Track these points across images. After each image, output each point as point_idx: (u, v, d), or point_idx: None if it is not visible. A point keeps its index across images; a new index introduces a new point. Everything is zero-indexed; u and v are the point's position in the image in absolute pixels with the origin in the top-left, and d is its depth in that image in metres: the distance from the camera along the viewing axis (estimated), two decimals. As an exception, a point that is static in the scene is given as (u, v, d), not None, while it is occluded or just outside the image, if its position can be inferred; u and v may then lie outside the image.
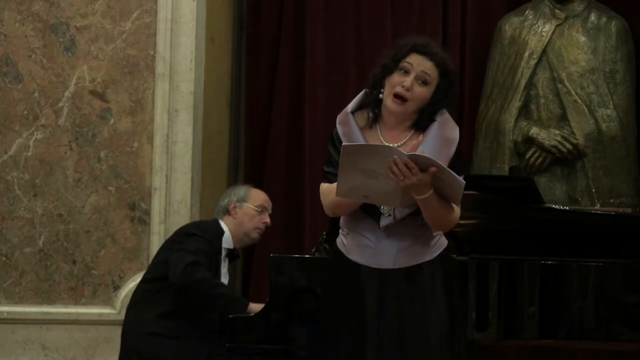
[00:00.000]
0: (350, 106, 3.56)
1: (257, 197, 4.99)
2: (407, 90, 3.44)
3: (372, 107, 3.53)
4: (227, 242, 4.82)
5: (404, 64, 3.47)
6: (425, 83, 3.46)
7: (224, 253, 4.78)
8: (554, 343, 4.57)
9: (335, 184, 3.41)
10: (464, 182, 3.34)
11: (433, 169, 3.30)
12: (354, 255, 3.53)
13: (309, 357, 3.70)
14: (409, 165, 3.28)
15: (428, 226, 3.49)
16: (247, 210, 4.92)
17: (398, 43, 3.54)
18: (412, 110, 3.48)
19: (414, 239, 3.49)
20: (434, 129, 3.49)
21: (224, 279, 4.81)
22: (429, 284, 3.49)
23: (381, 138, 3.50)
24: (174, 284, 4.58)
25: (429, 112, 3.50)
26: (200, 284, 4.54)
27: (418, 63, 3.46)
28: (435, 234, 3.54)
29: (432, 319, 3.47)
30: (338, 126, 3.53)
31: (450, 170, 3.34)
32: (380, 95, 3.49)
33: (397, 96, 3.45)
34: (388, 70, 3.48)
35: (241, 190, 5.02)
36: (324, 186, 3.53)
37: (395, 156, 3.29)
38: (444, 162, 3.37)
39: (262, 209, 4.95)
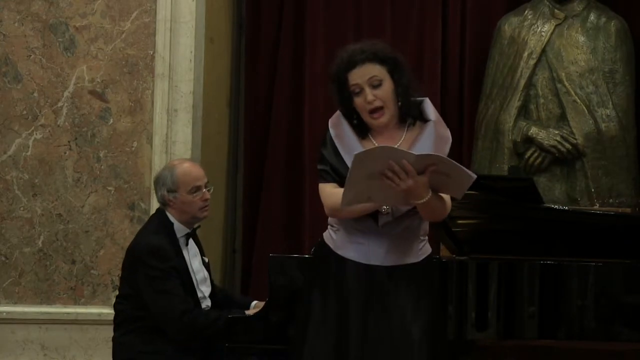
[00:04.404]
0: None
1: (185, 181, 4.58)
2: (374, 101, 3.52)
3: (357, 128, 3.59)
4: (180, 230, 4.58)
5: (352, 89, 3.53)
6: (380, 83, 3.53)
7: (181, 241, 4.56)
8: (554, 343, 4.57)
9: (334, 188, 3.50)
10: (475, 175, 3.39)
11: (432, 167, 3.34)
12: (344, 251, 3.58)
13: (293, 350, 3.69)
14: (406, 169, 3.33)
15: (417, 228, 3.58)
16: (183, 199, 4.56)
17: (331, 73, 3.61)
18: (393, 110, 3.55)
19: (403, 240, 3.56)
20: (429, 127, 3.55)
21: (194, 260, 4.61)
22: (412, 284, 3.55)
23: (376, 144, 3.56)
24: (176, 337, 4.45)
25: (404, 98, 3.56)
26: (204, 331, 4.43)
27: (360, 76, 3.53)
28: (422, 237, 3.62)
29: (412, 318, 3.52)
30: (331, 129, 3.60)
31: (460, 165, 3.37)
32: (355, 121, 3.57)
33: (372, 112, 3.53)
34: (348, 103, 3.55)
35: (167, 177, 4.59)
36: (326, 187, 3.57)
37: (391, 160, 3.32)
38: None
39: (195, 190, 4.59)
